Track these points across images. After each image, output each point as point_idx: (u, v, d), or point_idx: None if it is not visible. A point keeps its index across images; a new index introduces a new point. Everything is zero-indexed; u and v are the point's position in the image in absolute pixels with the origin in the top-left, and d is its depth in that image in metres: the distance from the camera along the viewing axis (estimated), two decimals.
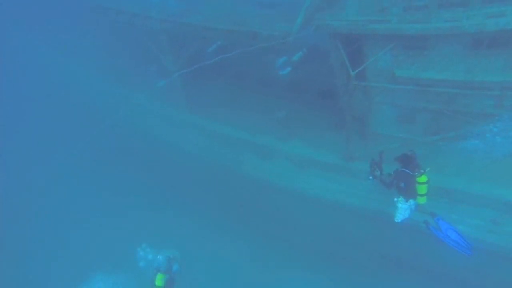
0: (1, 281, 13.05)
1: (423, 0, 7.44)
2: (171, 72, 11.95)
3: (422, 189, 7.46)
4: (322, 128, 11.17)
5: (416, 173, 7.33)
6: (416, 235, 8.85)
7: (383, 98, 9.31)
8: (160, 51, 12.55)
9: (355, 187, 9.93)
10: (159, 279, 8.16)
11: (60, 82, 17.39)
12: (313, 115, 11.50)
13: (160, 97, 13.28)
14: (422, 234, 8.58)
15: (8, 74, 18.50)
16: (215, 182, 12.27)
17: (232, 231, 12.37)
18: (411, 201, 7.71)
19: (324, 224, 10.61)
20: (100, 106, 15.41)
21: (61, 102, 17.14)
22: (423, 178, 7.34)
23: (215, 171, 12.20)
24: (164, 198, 13.83)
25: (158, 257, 8.43)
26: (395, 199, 7.87)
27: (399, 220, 7.98)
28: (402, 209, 7.85)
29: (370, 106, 9.69)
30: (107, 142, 14.43)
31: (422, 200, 7.64)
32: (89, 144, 13.67)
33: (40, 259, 13.45)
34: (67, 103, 16.91)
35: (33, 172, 16.56)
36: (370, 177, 8.12)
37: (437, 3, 7.29)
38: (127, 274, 9.46)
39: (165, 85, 11.68)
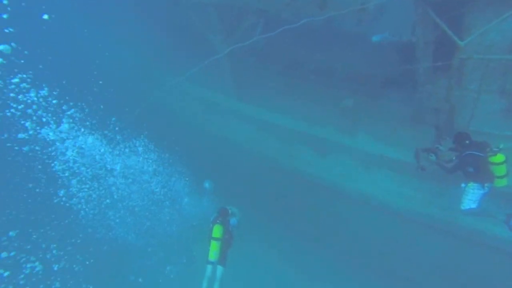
0: None
1: None
2: (220, 52, 10.56)
3: (501, 170, 6.45)
4: (396, 122, 9.28)
5: (489, 153, 6.35)
6: None
7: (488, 84, 7.29)
8: (208, 28, 11.18)
9: (435, 195, 8.08)
10: (216, 231, 8.07)
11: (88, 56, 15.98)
12: (386, 105, 9.63)
13: (205, 80, 11.93)
14: None
15: None
16: (261, 177, 10.68)
17: (275, 234, 10.83)
18: (487, 186, 6.60)
19: (389, 236, 8.79)
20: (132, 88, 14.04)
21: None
22: (499, 158, 6.35)
23: (263, 165, 10.62)
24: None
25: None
26: (463, 185, 6.84)
27: (467, 208, 6.80)
28: (474, 195, 6.69)
29: (466, 96, 7.69)
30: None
31: (502, 183, 6.57)
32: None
33: None
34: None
35: None
36: (419, 169, 7.17)
37: None
38: None
39: (210, 67, 10.27)
